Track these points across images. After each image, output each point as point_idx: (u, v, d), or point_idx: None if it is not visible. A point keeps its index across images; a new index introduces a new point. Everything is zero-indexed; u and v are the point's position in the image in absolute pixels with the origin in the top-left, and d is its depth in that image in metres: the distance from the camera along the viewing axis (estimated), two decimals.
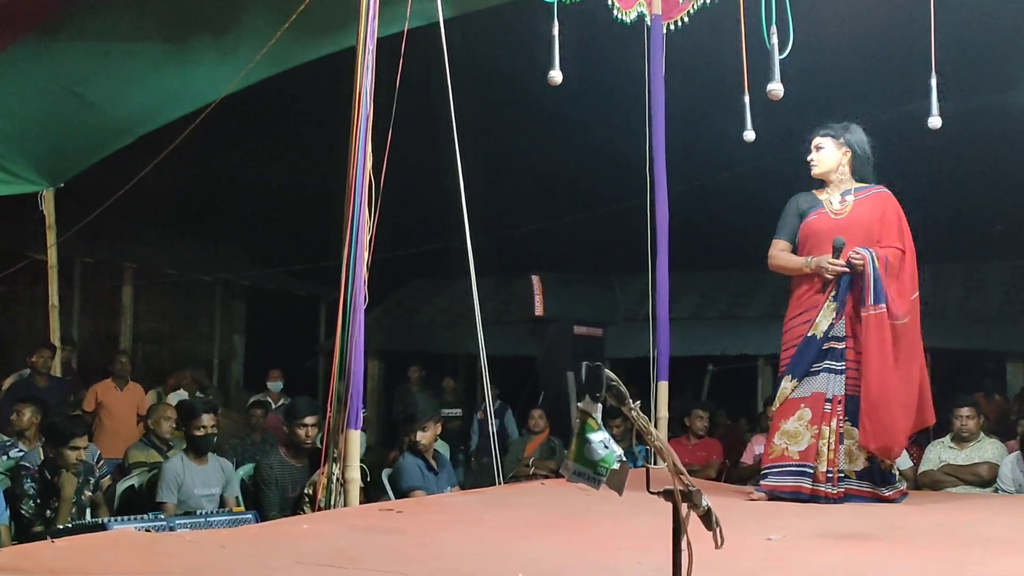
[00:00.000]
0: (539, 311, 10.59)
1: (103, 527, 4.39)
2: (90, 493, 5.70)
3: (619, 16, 6.10)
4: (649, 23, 6.29)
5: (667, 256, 6.34)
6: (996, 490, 6.41)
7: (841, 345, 5.10)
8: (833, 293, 5.10)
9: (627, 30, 6.24)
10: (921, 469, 6.77)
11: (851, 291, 5.09)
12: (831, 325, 5.10)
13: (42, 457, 5.67)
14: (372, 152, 4.86)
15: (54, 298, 9.16)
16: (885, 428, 4.98)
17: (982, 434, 6.73)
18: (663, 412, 6.31)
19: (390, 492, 6.16)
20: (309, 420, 6.07)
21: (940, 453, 6.72)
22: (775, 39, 5.18)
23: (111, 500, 5.98)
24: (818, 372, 5.09)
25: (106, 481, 6.23)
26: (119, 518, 4.84)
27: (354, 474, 4.76)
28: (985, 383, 12.06)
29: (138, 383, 9.65)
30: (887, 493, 5.10)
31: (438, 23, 5.33)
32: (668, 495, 2.29)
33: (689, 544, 2.30)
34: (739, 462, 7.85)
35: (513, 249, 13.16)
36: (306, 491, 5.50)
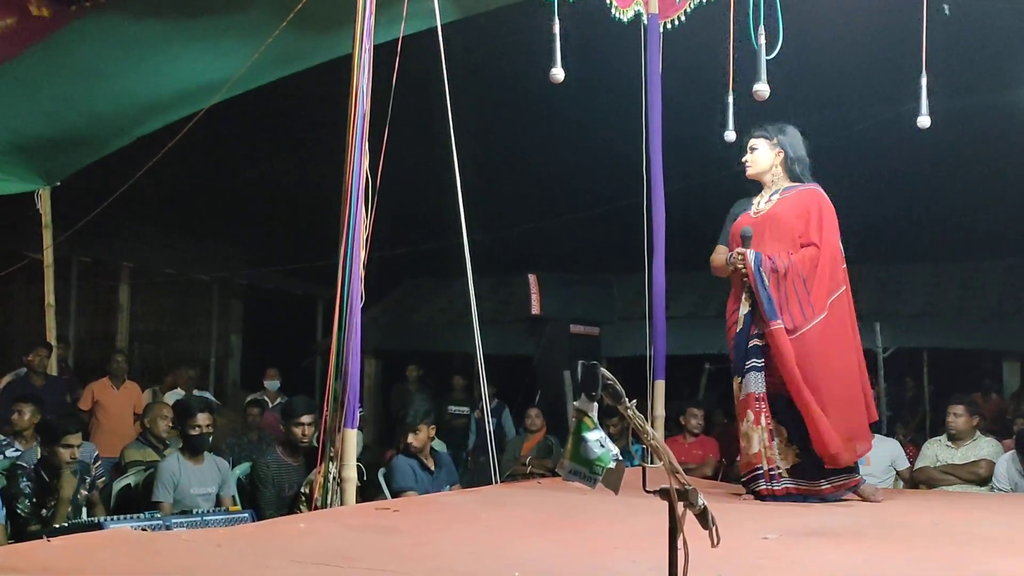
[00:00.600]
0: (536, 310, 10.59)
1: (99, 526, 4.39)
2: (86, 492, 5.69)
3: (616, 14, 6.11)
4: (646, 22, 6.29)
5: (663, 255, 6.34)
6: (991, 488, 6.42)
7: (761, 342, 5.03)
8: (748, 288, 5.06)
9: (624, 29, 6.24)
10: (917, 466, 6.79)
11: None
12: (749, 322, 5.08)
13: (39, 456, 5.67)
14: (369, 151, 4.86)
15: (50, 297, 9.16)
16: (818, 437, 4.87)
17: (978, 433, 6.75)
18: (660, 411, 6.31)
19: (386, 491, 6.16)
20: (306, 419, 6.07)
21: (937, 451, 6.74)
22: (762, 39, 5.19)
23: (107, 499, 5.98)
24: (749, 371, 5.07)
25: (102, 480, 6.22)
26: (115, 517, 4.84)
27: (351, 473, 4.76)
28: (983, 382, 12.08)
29: (135, 382, 9.66)
30: (825, 487, 4.98)
31: (436, 23, 5.34)
32: (664, 494, 2.29)
33: (685, 543, 2.30)
34: (736, 460, 7.84)
35: (510, 248, 13.17)
36: (303, 490, 5.50)
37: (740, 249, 4.99)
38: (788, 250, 4.99)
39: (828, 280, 4.96)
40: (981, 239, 14.62)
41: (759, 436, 5.01)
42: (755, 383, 5.02)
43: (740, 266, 4.97)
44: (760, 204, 5.19)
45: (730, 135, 5.91)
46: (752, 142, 5.24)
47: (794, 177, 5.18)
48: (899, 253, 15.36)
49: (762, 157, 5.21)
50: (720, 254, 5.25)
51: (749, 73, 5.30)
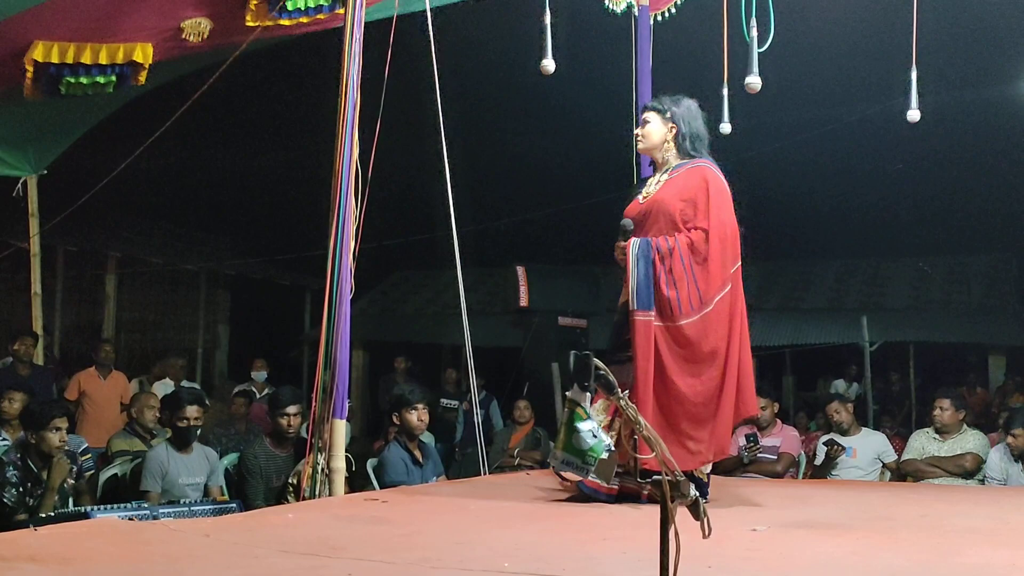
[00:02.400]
0: (524, 302, 10.60)
1: (86, 516, 4.37)
2: (73, 481, 5.67)
3: (609, 5, 6.11)
4: (637, 13, 6.29)
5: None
6: (983, 480, 6.46)
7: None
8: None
9: (614, 21, 6.24)
10: (904, 458, 6.82)
11: None
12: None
13: (25, 445, 5.64)
14: (359, 142, 4.85)
15: (37, 286, 9.11)
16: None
17: (965, 426, 6.78)
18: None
19: (375, 482, 6.14)
20: (292, 409, 6.06)
21: (924, 444, 6.77)
22: (755, 32, 5.18)
23: (94, 489, 5.95)
24: (625, 362, 4.62)
25: (89, 472, 6.20)
26: (102, 507, 4.82)
27: (339, 464, 4.76)
28: (969, 376, 12.14)
29: (121, 372, 9.61)
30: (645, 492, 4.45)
31: (425, 13, 5.33)
32: (656, 485, 2.29)
33: (676, 534, 2.31)
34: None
35: (499, 240, 13.17)
36: (291, 481, 5.49)
37: (620, 244, 4.67)
38: (670, 234, 4.61)
39: (719, 268, 4.57)
40: (967, 234, 14.69)
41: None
42: (626, 374, 4.59)
43: (620, 257, 4.67)
44: (651, 187, 4.82)
45: (725, 127, 5.89)
46: (644, 115, 4.89)
47: (686, 154, 4.77)
48: (885, 247, 15.43)
49: (654, 132, 4.82)
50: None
51: (741, 66, 5.30)
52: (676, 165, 4.77)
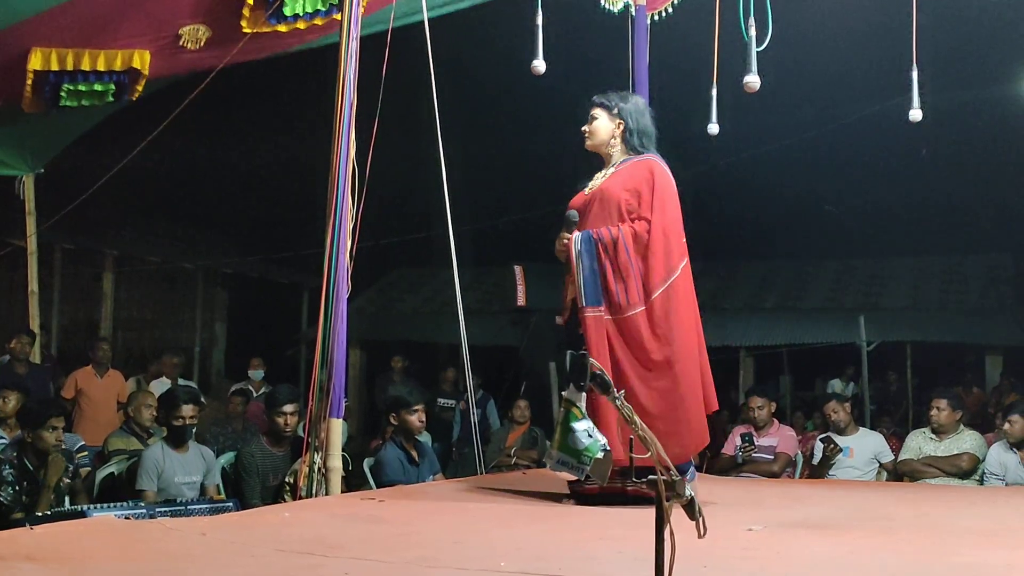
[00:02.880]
0: (521, 301, 10.60)
1: (83, 514, 4.36)
2: (69, 480, 5.66)
3: (606, 5, 6.11)
4: (634, 13, 6.28)
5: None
6: (980, 479, 6.46)
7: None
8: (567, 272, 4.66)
9: (612, 21, 6.24)
10: (901, 458, 6.82)
11: None
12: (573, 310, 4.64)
13: (21, 444, 5.64)
14: (356, 140, 4.85)
15: (34, 284, 9.11)
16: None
17: (962, 426, 6.78)
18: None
19: (372, 482, 6.14)
20: (289, 408, 6.05)
21: (920, 444, 6.77)
22: (753, 31, 5.17)
23: (90, 487, 5.95)
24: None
25: (85, 471, 6.19)
26: (99, 505, 4.82)
27: (336, 463, 4.75)
28: (965, 376, 12.16)
29: (118, 371, 9.61)
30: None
31: (423, 15, 5.33)
32: (651, 485, 2.29)
33: (672, 534, 2.30)
34: (720, 453, 7.87)
35: (496, 239, 13.17)
36: (287, 479, 5.49)
37: (564, 235, 4.61)
38: (618, 225, 4.57)
39: (663, 258, 4.50)
40: (964, 234, 14.71)
41: None
42: None
43: (561, 251, 4.61)
44: (596, 180, 4.76)
45: (713, 128, 5.89)
46: (592, 111, 4.81)
47: (633, 150, 4.73)
48: (883, 247, 15.45)
49: (601, 127, 4.77)
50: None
51: (736, 66, 5.29)
52: (622, 160, 4.73)
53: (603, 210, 4.60)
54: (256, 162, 13.54)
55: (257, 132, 13.01)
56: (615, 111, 4.74)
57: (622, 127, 4.74)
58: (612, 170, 4.72)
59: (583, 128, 4.83)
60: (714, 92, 5.84)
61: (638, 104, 4.82)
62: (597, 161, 4.86)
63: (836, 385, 12.46)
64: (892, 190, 14.52)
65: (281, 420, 6.04)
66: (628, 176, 4.63)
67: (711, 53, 5.86)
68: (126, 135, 7.43)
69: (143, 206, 14.04)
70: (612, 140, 4.76)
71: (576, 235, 4.57)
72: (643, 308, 4.47)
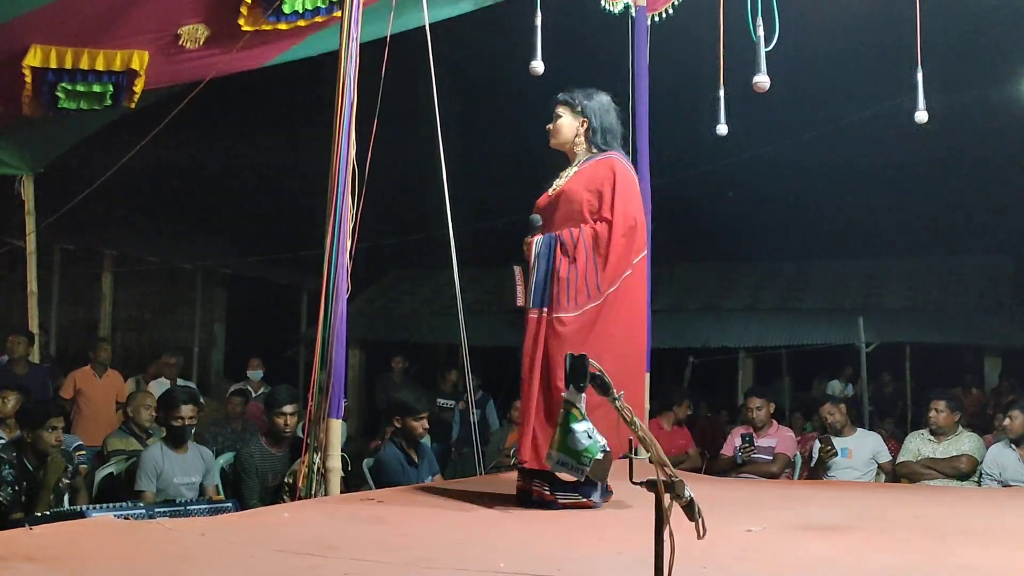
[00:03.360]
0: (521, 302, 10.55)
1: (82, 515, 4.36)
2: (68, 480, 5.67)
3: (606, 6, 6.11)
4: (634, 14, 6.29)
5: (649, 247, 6.33)
6: (981, 477, 6.46)
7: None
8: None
9: (612, 21, 6.24)
10: (899, 460, 6.82)
11: None
12: None
13: (20, 444, 5.64)
14: (356, 141, 4.85)
15: (33, 284, 9.10)
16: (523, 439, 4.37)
17: (960, 428, 6.78)
18: (645, 403, 6.30)
19: (371, 482, 6.14)
20: (288, 409, 6.05)
21: (919, 445, 6.77)
22: (761, 31, 5.15)
23: (90, 488, 5.95)
24: None
25: (83, 468, 6.19)
26: (98, 506, 4.82)
27: (335, 463, 4.75)
28: (964, 378, 12.16)
29: (117, 371, 9.60)
30: (555, 497, 4.37)
31: (423, 15, 5.33)
32: (651, 485, 2.29)
33: (671, 535, 2.31)
34: (719, 454, 7.89)
35: (496, 239, 13.16)
36: (287, 480, 5.49)
37: (527, 239, 4.62)
38: (580, 227, 4.53)
39: (619, 261, 4.45)
40: (963, 235, 14.71)
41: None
42: None
43: (526, 255, 4.62)
44: (560, 179, 4.72)
45: (722, 128, 5.88)
46: (556, 109, 4.75)
47: (598, 148, 4.68)
48: (883, 248, 15.45)
49: (565, 126, 4.72)
50: None
51: (739, 66, 5.29)
52: (586, 158, 4.68)
53: (567, 211, 4.56)
54: (256, 162, 13.54)
55: (257, 133, 13.02)
56: (579, 109, 4.69)
57: (586, 125, 4.68)
58: (575, 169, 4.67)
59: (547, 126, 4.78)
60: (721, 93, 5.83)
61: (603, 102, 4.74)
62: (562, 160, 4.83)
63: (835, 386, 12.46)
64: (891, 191, 14.53)
65: (281, 420, 6.04)
66: (590, 176, 4.58)
67: (713, 54, 5.86)
68: (126, 135, 7.44)
69: (142, 206, 14.05)
70: (576, 138, 4.71)
71: (537, 238, 4.57)
72: (589, 308, 4.41)
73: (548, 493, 4.35)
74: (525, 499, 4.45)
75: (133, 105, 6.33)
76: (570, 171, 4.70)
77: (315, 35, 6.30)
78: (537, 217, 4.61)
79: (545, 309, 4.51)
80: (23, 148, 8.33)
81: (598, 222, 4.49)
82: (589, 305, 4.42)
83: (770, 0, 5.13)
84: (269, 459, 5.97)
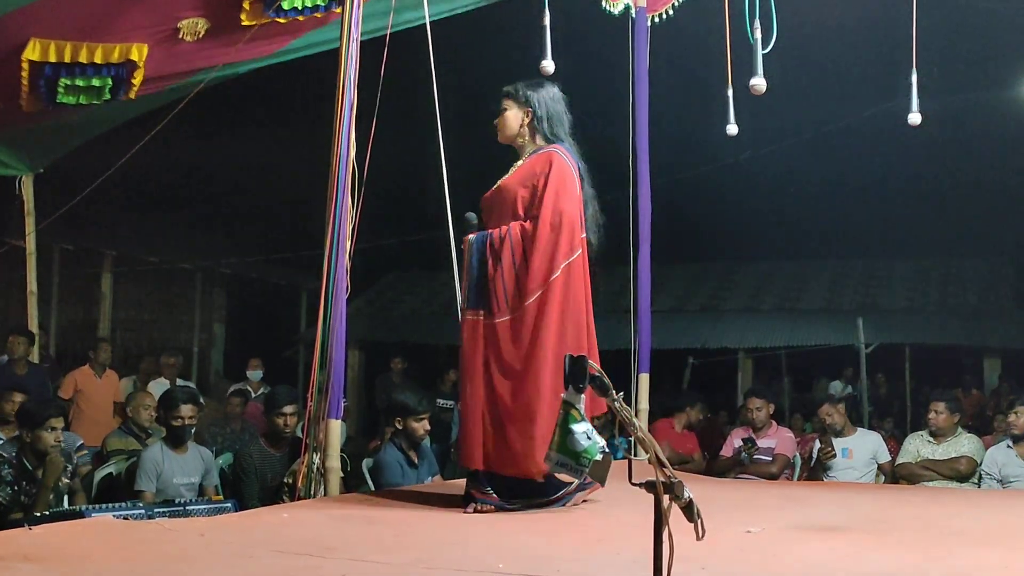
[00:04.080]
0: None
1: (81, 515, 4.36)
2: (67, 480, 5.66)
3: (607, 7, 6.11)
4: (634, 15, 6.29)
5: (649, 248, 6.34)
6: (980, 478, 6.47)
7: None
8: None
9: (613, 22, 6.25)
10: (899, 461, 6.82)
11: None
12: None
13: (20, 443, 5.63)
14: (356, 141, 4.85)
15: (33, 285, 9.10)
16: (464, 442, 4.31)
17: (960, 429, 6.78)
18: (644, 404, 6.31)
19: (370, 483, 6.14)
20: (288, 409, 6.05)
21: (918, 447, 6.77)
22: (758, 33, 5.16)
23: (89, 488, 5.95)
24: None
25: (84, 469, 6.19)
26: (97, 506, 4.82)
27: (334, 463, 4.75)
28: (964, 379, 12.17)
29: (116, 371, 9.60)
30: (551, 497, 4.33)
31: (424, 16, 5.33)
32: (650, 487, 2.29)
33: (670, 535, 2.31)
34: (719, 455, 7.89)
35: None
36: (286, 480, 5.48)
37: (465, 237, 4.48)
38: (509, 225, 4.40)
39: (546, 260, 4.28)
40: (963, 236, 14.72)
41: None
42: None
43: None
44: (507, 174, 4.58)
45: (732, 128, 5.88)
46: (502, 103, 4.61)
47: (545, 139, 4.52)
48: (882, 249, 15.46)
49: (510, 118, 4.57)
50: None
51: (738, 67, 5.29)
52: (532, 151, 4.55)
53: (502, 208, 4.45)
54: (255, 162, 13.54)
55: (256, 132, 13.01)
56: (523, 100, 4.56)
57: (531, 115, 4.54)
58: (519, 163, 4.55)
59: (495, 122, 4.63)
60: (731, 92, 5.83)
61: (550, 92, 4.60)
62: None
63: (837, 387, 12.47)
64: (891, 192, 14.53)
65: (281, 421, 6.04)
66: (528, 171, 4.46)
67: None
68: (125, 135, 7.44)
69: (142, 206, 14.03)
70: (522, 130, 4.57)
71: (471, 237, 4.44)
72: (519, 311, 4.28)
73: (494, 498, 4.27)
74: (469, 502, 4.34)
75: (132, 96, 6.31)
76: (514, 166, 4.58)
77: (314, 31, 6.31)
78: (472, 215, 4.48)
79: (482, 312, 4.35)
80: (22, 149, 8.32)
81: (529, 219, 4.36)
82: (520, 306, 4.28)
83: (768, 2, 5.13)
84: (268, 459, 5.97)
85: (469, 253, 4.42)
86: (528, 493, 4.32)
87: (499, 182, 4.55)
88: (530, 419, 4.21)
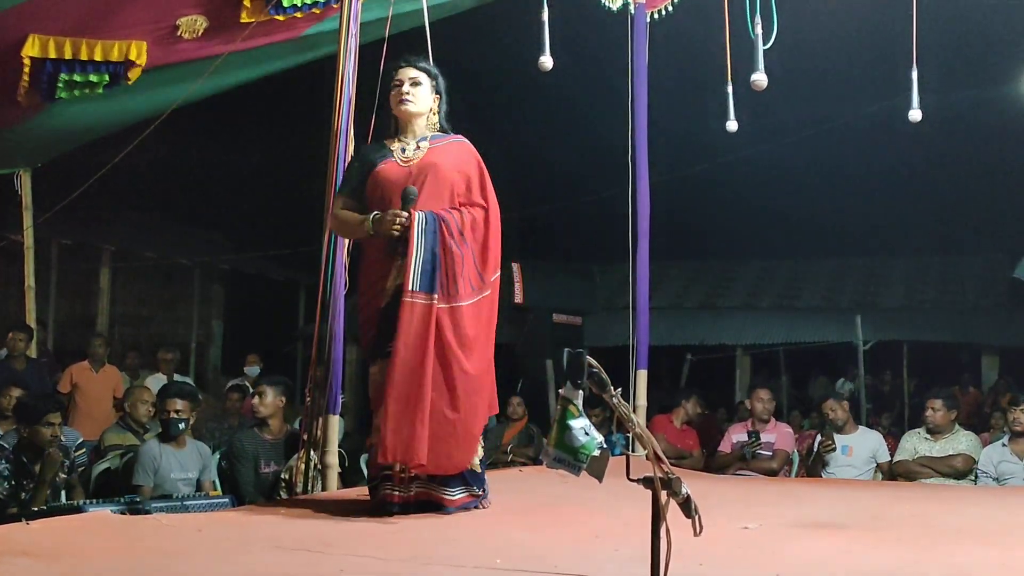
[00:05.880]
0: (519, 299, 10.61)
1: (79, 510, 4.36)
2: (65, 475, 5.66)
3: (605, 3, 6.11)
4: (633, 11, 6.29)
5: (647, 245, 6.34)
6: (976, 477, 6.47)
7: None
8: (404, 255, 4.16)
9: (612, 18, 6.24)
10: (896, 459, 6.82)
11: None
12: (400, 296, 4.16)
13: (17, 438, 5.63)
14: (354, 136, 4.85)
15: (31, 279, 9.08)
16: (411, 439, 4.00)
17: (957, 427, 6.78)
18: (642, 400, 6.32)
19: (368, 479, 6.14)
20: (264, 393, 6.07)
21: (916, 444, 6.76)
22: (759, 29, 5.16)
23: (87, 483, 5.94)
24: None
25: (82, 465, 6.18)
26: (95, 501, 4.81)
27: (332, 459, 4.76)
28: (962, 376, 12.17)
29: (114, 366, 9.60)
30: (453, 497, 4.16)
31: (423, 11, 5.33)
32: (648, 483, 2.29)
33: (668, 532, 2.31)
34: (717, 451, 7.89)
35: None
36: (283, 476, 5.49)
37: (397, 212, 4.14)
38: (447, 208, 4.22)
39: (496, 250, 4.27)
40: (961, 234, 14.73)
41: None
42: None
43: (396, 231, 4.13)
44: (407, 151, 4.32)
45: (732, 125, 5.86)
46: (414, 75, 4.35)
47: (443, 128, 4.42)
48: (881, 246, 15.46)
49: (425, 96, 4.37)
50: (348, 210, 4.34)
51: (737, 63, 5.29)
52: (432, 136, 4.37)
53: (435, 189, 4.23)
54: (254, 158, 13.53)
55: (255, 128, 13.00)
56: (435, 84, 4.42)
57: (438, 101, 4.43)
58: (427, 145, 4.32)
59: (404, 90, 4.33)
60: (730, 88, 5.82)
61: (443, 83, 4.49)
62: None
63: (843, 384, 12.46)
64: (889, 190, 14.53)
65: (256, 401, 6.06)
66: (456, 157, 4.32)
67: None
68: (123, 131, 7.43)
69: (140, 202, 14.01)
70: (431, 112, 4.41)
71: (419, 214, 4.14)
72: (477, 299, 4.20)
73: (446, 498, 4.15)
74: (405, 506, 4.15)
75: (130, 82, 6.30)
76: (418, 143, 4.34)
77: (313, 29, 6.31)
78: (414, 189, 4.17)
79: (436, 296, 4.10)
80: (22, 150, 8.31)
81: (472, 207, 4.27)
82: (478, 296, 4.21)
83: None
84: (261, 444, 5.95)
85: (419, 231, 4.12)
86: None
87: (418, 159, 4.29)
88: (473, 410, 4.15)
